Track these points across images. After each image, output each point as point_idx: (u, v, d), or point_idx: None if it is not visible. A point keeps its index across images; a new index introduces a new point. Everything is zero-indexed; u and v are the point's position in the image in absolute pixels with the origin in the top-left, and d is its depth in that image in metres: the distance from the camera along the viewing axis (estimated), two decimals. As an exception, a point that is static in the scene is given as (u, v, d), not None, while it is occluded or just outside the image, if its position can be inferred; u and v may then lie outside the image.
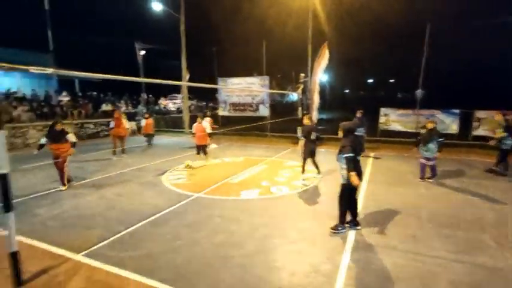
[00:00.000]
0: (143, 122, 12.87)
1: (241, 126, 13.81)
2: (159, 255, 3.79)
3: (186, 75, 16.93)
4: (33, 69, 2.92)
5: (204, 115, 12.65)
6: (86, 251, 3.88)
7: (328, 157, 9.19)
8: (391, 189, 6.54)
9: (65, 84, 19.92)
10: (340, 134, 4.48)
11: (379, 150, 11.20)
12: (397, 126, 13.40)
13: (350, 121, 4.69)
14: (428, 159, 6.98)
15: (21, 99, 14.68)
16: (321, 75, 13.14)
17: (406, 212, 5.18)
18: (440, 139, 6.83)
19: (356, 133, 10.06)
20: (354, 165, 4.19)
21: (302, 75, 13.60)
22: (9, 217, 3.09)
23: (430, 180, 7.01)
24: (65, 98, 16.69)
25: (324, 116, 21.05)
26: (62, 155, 6.49)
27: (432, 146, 6.79)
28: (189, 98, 25.62)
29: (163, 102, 25.18)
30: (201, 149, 8.94)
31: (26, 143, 12.86)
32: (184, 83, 15.66)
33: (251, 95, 16.25)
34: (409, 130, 13.04)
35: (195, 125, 8.90)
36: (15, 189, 3.35)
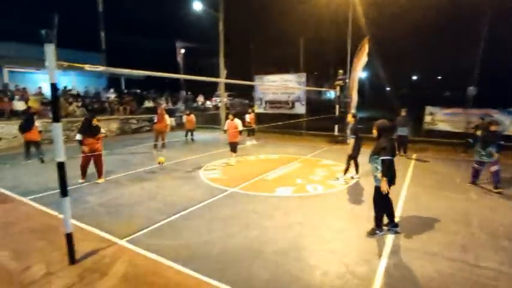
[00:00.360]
0: (184, 119, 13.40)
1: (277, 124, 13.80)
2: (195, 246, 3.93)
3: (223, 72, 17.27)
4: (88, 67, 3.18)
5: (252, 110, 12.87)
6: (128, 237, 4.14)
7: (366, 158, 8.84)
8: (436, 193, 6.12)
9: (112, 82, 21.36)
10: (375, 133, 4.23)
11: (423, 152, 10.53)
12: (444, 126, 12.47)
13: (384, 119, 4.38)
14: (482, 163, 6.33)
15: (76, 96, 16.02)
16: (360, 71, 12.67)
17: (453, 218, 4.82)
18: (501, 142, 6.17)
19: (399, 133, 9.48)
20: (391, 169, 3.95)
21: (340, 71, 13.21)
22: (65, 201, 3.40)
23: (497, 190, 6.10)
24: (112, 94, 17.89)
25: (363, 115, 20.24)
26: (98, 149, 6.80)
27: (492, 149, 6.07)
28: (233, 96, 26.24)
29: (199, 99, 25.97)
30: (232, 146, 8.86)
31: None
32: (222, 80, 15.97)
33: (287, 93, 16.13)
34: (457, 131, 12.07)
35: (227, 122, 8.98)
36: (71, 177, 3.68)
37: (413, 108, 10.66)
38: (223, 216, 4.92)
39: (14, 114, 12.06)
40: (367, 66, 13.26)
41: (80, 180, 6.77)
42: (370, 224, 4.31)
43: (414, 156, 9.72)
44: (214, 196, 5.88)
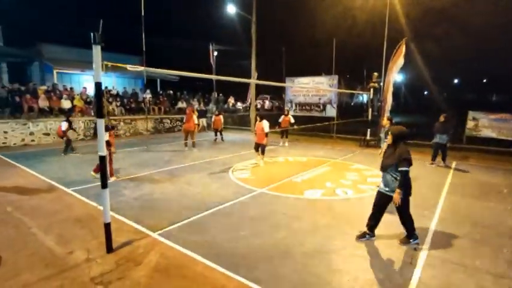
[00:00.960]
0: (213, 119, 13.76)
1: (307, 126, 13.64)
2: (223, 243, 4.00)
3: (254, 74, 17.43)
4: (129, 67, 3.38)
5: (286, 112, 12.89)
6: (160, 231, 4.31)
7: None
8: (478, 204, 5.71)
9: (148, 83, 22.37)
10: (390, 140, 3.91)
11: (464, 160, 9.88)
12: (489, 133, 11.61)
13: (399, 125, 4.14)
14: None
15: (115, 96, 16.98)
16: (396, 74, 12.19)
17: (498, 231, 4.47)
18: None
19: (438, 140, 8.84)
20: (408, 180, 3.72)
21: (375, 74, 12.79)
22: (105, 193, 3.62)
23: None
24: (147, 95, 18.74)
25: (398, 119, 19.42)
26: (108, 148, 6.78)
27: None
28: (270, 98, 26.60)
29: (230, 100, 26.41)
30: (259, 147, 8.73)
31: (116, 134, 14.86)
32: (253, 81, 16.13)
33: (318, 95, 15.91)
34: (505, 138, 11.18)
35: (256, 123, 8.96)
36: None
37: (454, 113, 10.03)
38: (251, 215, 4.96)
39: (61, 112, 13.06)
40: (404, 69, 12.72)
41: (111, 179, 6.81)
42: (395, 229, 4.11)
43: (454, 164, 9.14)
44: (243, 196, 5.94)
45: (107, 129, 6.76)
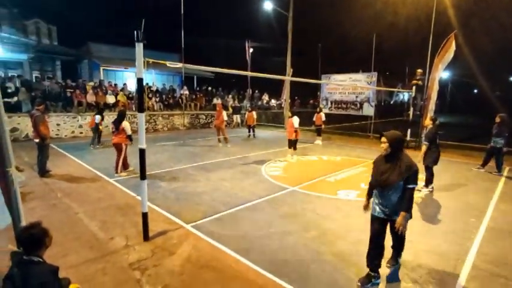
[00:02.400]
0: (246, 115, 13.90)
1: (342, 125, 13.25)
2: (253, 239, 4.03)
3: (289, 71, 17.27)
4: (169, 64, 3.50)
5: (319, 109, 12.72)
6: (193, 223, 4.45)
7: (447, 167, 7.92)
8: (534, 214, 5.16)
9: (186, 80, 23.16)
10: (385, 147, 3.03)
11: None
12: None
13: (395, 130, 3.12)
14: None
15: (154, 92, 17.80)
16: (442, 71, 11.37)
17: (557, 246, 4.01)
18: None
19: (494, 144, 7.89)
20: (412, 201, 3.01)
21: (419, 71, 12.06)
22: (143, 184, 3.82)
23: None
24: (185, 91, 19.40)
25: (443, 120, 18.13)
26: (117, 142, 6.88)
27: None
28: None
29: (264, 97, 26.47)
30: (291, 143, 8.98)
31: (154, 128, 15.61)
32: (288, 78, 15.99)
33: (355, 93, 15.37)
34: None
35: (287, 120, 9.06)
36: (148, 164, 4.18)
37: (510, 113, 9.09)
38: (283, 213, 4.94)
39: (106, 106, 13.98)
40: (451, 65, 11.81)
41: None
42: (443, 239, 3.85)
43: (506, 171, 8.28)
44: (275, 193, 5.93)
45: (121, 117, 6.77)
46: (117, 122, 6.81)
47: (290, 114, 9.03)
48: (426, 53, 11.73)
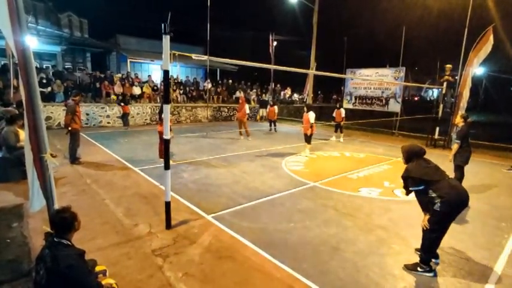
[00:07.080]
0: (268, 109, 13.85)
1: (366, 121, 12.89)
2: (273, 232, 4.04)
3: (313, 65, 16.98)
4: (194, 56, 3.54)
5: (339, 105, 12.47)
6: (214, 214, 4.53)
7: (477, 167, 7.53)
8: None
9: (209, 73, 23.39)
10: (403, 160, 3.38)
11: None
12: None
13: (408, 143, 3.52)
14: None
15: (179, 84, 18.12)
16: (477, 67, 10.74)
17: None
18: None
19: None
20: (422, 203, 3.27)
21: (449, 66, 11.46)
22: (167, 173, 3.92)
23: None
24: (208, 84, 19.62)
25: (475, 118, 17.18)
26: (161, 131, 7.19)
27: None
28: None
29: (287, 92, 26.25)
30: (306, 138, 9.00)
31: (178, 120, 15.93)
32: (311, 72, 15.74)
33: (381, 88, 14.86)
34: None
35: (304, 114, 9.09)
36: (171, 154, 4.33)
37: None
38: (303, 208, 4.91)
39: (132, 97, 14.42)
40: (487, 60, 11.08)
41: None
42: (471, 243, 3.68)
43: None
44: (296, 187, 5.91)
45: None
46: (160, 114, 7.26)
47: (306, 109, 9.05)
48: (459, 48, 11.09)
